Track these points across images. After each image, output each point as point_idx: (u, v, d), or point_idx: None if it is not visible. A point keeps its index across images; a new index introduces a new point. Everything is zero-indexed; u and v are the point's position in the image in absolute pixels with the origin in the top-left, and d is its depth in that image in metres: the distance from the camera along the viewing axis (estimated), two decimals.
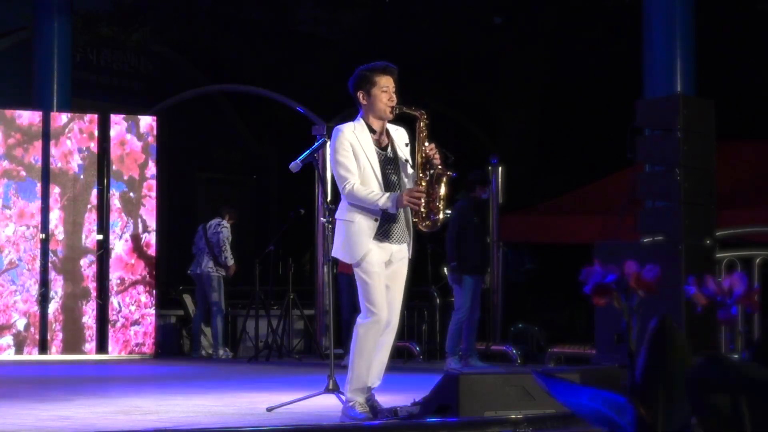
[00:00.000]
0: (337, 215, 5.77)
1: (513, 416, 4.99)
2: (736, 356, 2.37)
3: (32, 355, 11.92)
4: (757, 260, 8.97)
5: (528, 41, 16.79)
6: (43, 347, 12.02)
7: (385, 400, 5.90)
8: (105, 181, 12.47)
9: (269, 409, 6.17)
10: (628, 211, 9.33)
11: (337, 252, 5.77)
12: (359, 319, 5.71)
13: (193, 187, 18.32)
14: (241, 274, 13.53)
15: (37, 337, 11.99)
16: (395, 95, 5.75)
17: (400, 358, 12.26)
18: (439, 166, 5.58)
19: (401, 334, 12.67)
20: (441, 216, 5.62)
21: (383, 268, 5.68)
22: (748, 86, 15.48)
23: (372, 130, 5.71)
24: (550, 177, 16.61)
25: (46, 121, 12.31)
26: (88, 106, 13.94)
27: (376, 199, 5.52)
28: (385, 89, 5.72)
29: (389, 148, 5.70)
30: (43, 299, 12.07)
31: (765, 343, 2.35)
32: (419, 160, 5.64)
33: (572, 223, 12.31)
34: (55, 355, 11.98)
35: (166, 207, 14.62)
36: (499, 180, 12.54)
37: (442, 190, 5.60)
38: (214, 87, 16.61)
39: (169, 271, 14.42)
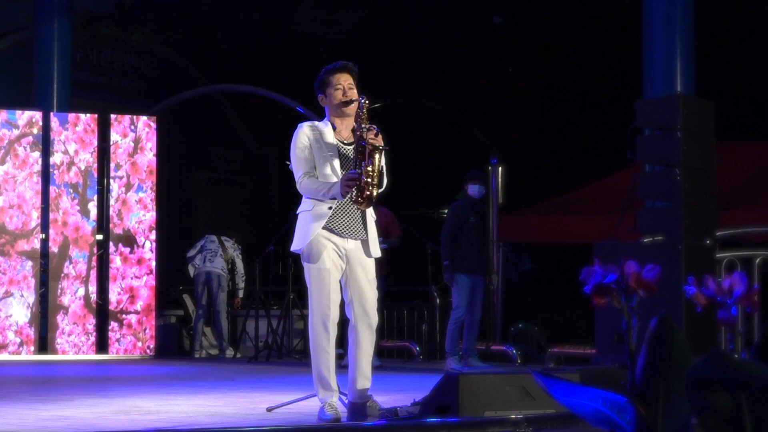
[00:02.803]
0: (297, 211, 5.80)
1: (513, 416, 4.99)
2: (736, 356, 2.37)
3: (32, 355, 11.94)
4: (757, 260, 8.97)
5: (528, 41, 16.80)
6: (43, 347, 12.03)
7: (385, 400, 5.90)
8: (105, 181, 12.48)
9: (269, 409, 6.16)
10: (628, 211, 9.33)
11: (293, 244, 5.75)
12: (310, 321, 5.72)
13: (193, 187, 18.33)
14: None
15: (33, 345, 12.00)
16: (353, 91, 5.71)
17: (400, 358, 12.27)
18: (371, 141, 5.52)
19: (401, 334, 12.72)
20: (374, 192, 5.51)
21: (335, 266, 5.63)
22: (748, 86, 15.49)
23: (335, 128, 5.72)
24: (550, 177, 16.62)
25: (46, 121, 12.32)
26: (88, 106, 13.94)
27: (324, 190, 5.54)
28: (338, 87, 5.72)
29: (354, 150, 5.67)
30: (43, 299, 12.08)
31: (765, 342, 2.35)
32: (354, 140, 5.61)
33: (572, 223, 12.31)
34: (55, 355, 11.99)
35: (166, 207, 14.62)
36: (499, 180, 12.53)
37: (376, 166, 5.50)
38: (214, 87, 16.62)
39: (169, 271, 14.41)
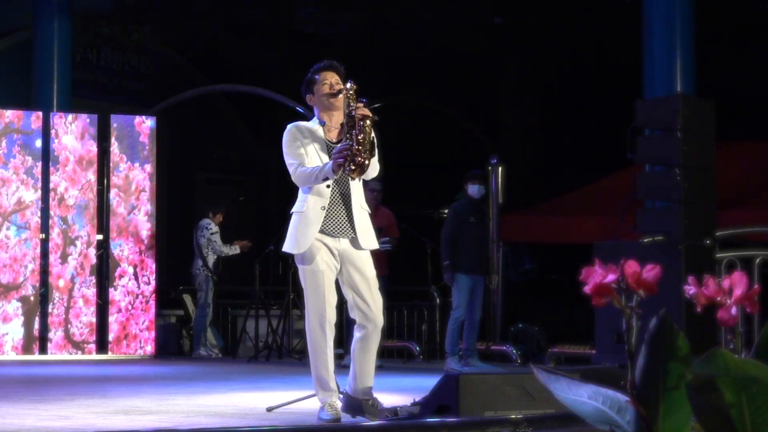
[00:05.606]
0: (291, 211, 5.83)
1: (513, 416, 4.98)
2: (736, 356, 2.37)
3: (32, 355, 11.94)
4: (757, 260, 8.97)
5: (528, 41, 16.80)
6: (43, 347, 12.02)
7: (385, 400, 5.90)
8: (105, 181, 12.48)
9: (269, 409, 6.16)
10: (628, 211, 9.33)
11: (285, 245, 5.76)
12: (306, 322, 5.71)
13: (193, 187, 18.32)
14: (241, 274, 13.53)
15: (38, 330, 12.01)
16: (340, 87, 5.69)
17: (400, 358, 12.26)
18: (360, 111, 5.48)
19: (401, 334, 12.72)
20: (365, 159, 5.46)
21: (329, 267, 5.63)
22: (748, 86, 15.48)
23: (323, 124, 5.73)
24: (550, 177, 16.61)
25: (46, 121, 12.32)
26: (88, 106, 13.94)
27: (317, 172, 5.54)
28: (324, 82, 5.74)
29: (342, 130, 5.66)
30: (43, 299, 12.08)
31: (765, 342, 2.35)
32: (345, 116, 5.59)
33: (572, 223, 12.31)
34: (55, 355, 11.99)
35: (166, 207, 14.61)
36: (499, 180, 12.53)
37: (367, 133, 5.45)
38: (214, 87, 16.61)
39: (169, 271, 14.41)
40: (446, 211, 11.32)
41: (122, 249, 12.42)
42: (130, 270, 12.42)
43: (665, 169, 8.73)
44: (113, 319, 12.29)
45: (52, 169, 12.21)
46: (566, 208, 12.84)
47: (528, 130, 17.36)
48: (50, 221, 12.13)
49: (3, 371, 10.24)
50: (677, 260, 8.28)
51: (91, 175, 12.32)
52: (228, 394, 7.75)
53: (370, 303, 5.66)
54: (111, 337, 12.27)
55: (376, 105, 14.56)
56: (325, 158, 5.64)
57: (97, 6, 15.57)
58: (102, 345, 12.29)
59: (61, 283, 12.11)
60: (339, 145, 5.54)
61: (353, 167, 5.46)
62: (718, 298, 2.41)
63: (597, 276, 2.32)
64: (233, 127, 19.19)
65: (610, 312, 2.35)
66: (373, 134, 5.52)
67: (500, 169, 12.58)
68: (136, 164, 12.57)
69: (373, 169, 5.60)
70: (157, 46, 16.98)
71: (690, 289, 2.44)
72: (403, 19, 16.72)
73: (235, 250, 13.09)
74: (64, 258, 12.13)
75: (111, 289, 12.32)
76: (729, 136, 11.21)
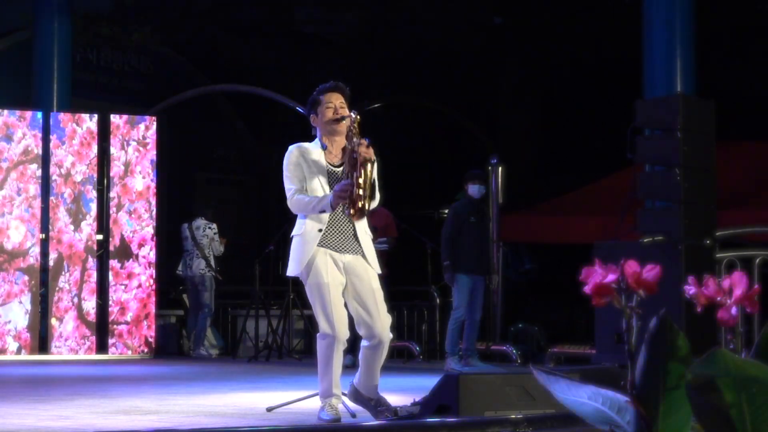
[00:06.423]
0: (291, 235, 5.81)
1: (513, 416, 4.98)
2: (735, 356, 2.37)
3: (32, 354, 11.94)
4: (757, 260, 8.97)
5: (528, 41, 16.79)
6: (43, 347, 12.03)
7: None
8: (105, 181, 12.48)
9: (269, 409, 6.17)
10: (628, 211, 9.33)
11: (289, 269, 5.74)
12: (318, 333, 5.70)
13: (193, 187, 18.32)
14: (242, 274, 13.52)
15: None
16: (344, 110, 5.69)
17: (400, 358, 12.26)
18: (362, 153, 5.48)
19: (401, 335, 12.72)
20: (366, 204, 5.45)
21: (334, 280, 5.59)
22: (748, 86, 15.48)
23: (324, 148, 5.72)
24: (549, 177, 16.61)
25: (46, 121, 12.32)
26: (88, 106, 13.94)
27: (315, 203, 5.53)
28: (329, 105, 5.72)
29: (344, 167, 5.66)
30: (43, 299, 12.08)
31: (765, 342, 2.35)
32: (346, 155, 5.59)
33: (572, 223, 12.31)
34: (55, 355, 11.99)
35: (166, 207, 14.61)
36: (499, 180, 12.53)
37: (367, 177, 5.44)
38: (214, 87, 16.61)
39: (169, 271, 14.43)
40: (446, 211, 11.31)
41: (142, 213, 12.43)
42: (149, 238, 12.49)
43: (665, 169, 8.73)
44: (132, 296, 12.32)
45: (57, 142, 12.24)
46: (566, 208, 12.84)
47: (528, 130, 17.35)
48: (56, 200, 12.14)
49: (3, 371, 10.24)
50: (677, 260, 8.28)
51: (96, 146, 12.35)
52: (228, 394, 7.75)
53: (375, 317, 5.63)
54: (129, 316, 12.29)
55: (375, 105, 14.61)
56: (325, 182, 5.62)
57: (97, 6, 15.56)
58: (102, 345, 12.29)
59: (73, 254, 12.15)
60: (341, 182, 5.52)
61: (353, 212, 5.48)
62: (718, 298, 2.41)
63: (597, 276, 2.32)
64: (233, 127, 19.19)
65: (610, 312, 2.34)
66: (374, 176, 5.51)
67: (500, 169, 12.58)
68: (155, 117, 12.73)
69: (374, 203, 5.61)
70: (157, 46, 16.97)
71: (690, 289, 2.44)
72: (403, 19, 16.71)
73: (222, 248, 13.14)
74: (76, 226, 12.15)
75: (131, 261, 12.33)
76: (729, 136, 11.21)
